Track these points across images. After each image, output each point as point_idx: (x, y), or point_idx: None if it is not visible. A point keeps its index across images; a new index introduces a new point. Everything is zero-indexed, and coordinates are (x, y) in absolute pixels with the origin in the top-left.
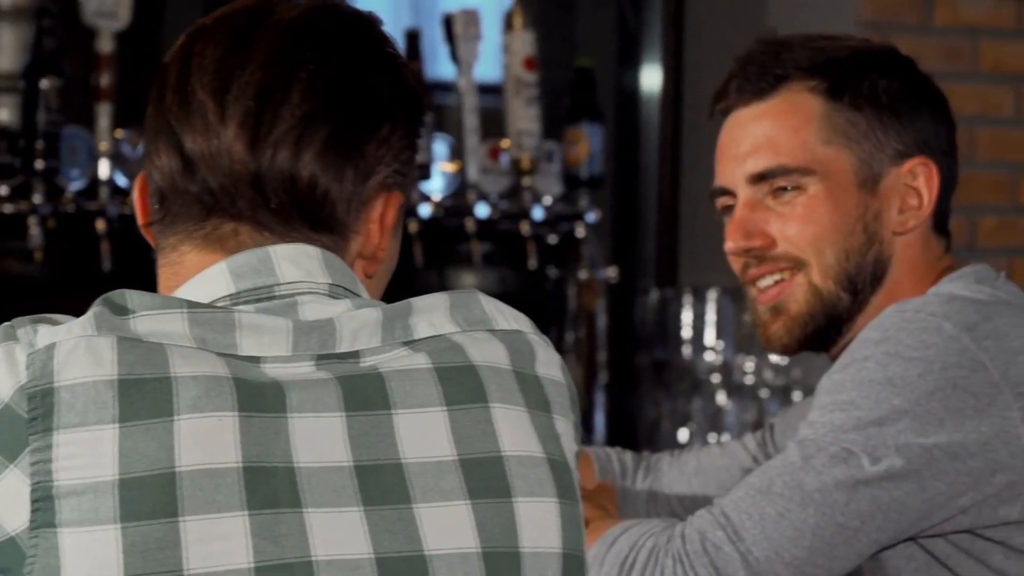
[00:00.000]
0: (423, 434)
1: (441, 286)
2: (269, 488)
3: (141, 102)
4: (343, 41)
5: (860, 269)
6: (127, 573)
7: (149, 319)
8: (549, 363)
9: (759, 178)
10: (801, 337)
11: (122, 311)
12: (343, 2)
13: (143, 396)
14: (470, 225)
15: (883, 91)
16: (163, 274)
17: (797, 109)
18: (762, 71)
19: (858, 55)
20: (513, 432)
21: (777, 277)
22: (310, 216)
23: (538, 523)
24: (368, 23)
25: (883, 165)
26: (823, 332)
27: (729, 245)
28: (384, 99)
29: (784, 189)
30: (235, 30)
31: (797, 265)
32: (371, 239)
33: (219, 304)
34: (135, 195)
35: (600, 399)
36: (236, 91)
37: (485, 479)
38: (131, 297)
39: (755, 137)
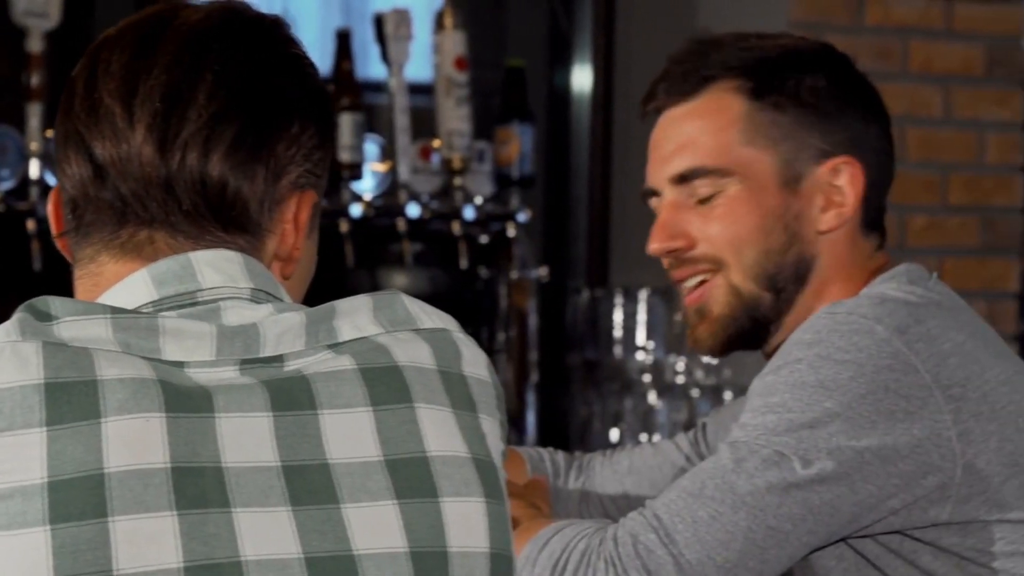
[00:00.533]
0: (349, 434)
1: (372, 286)
2: (197, 488)
3: None
4: (247, 42)
5: (781, 268)
6: (57, 574)
7: (73, 324)
8: (474, 362)
9: (681, 179)
10: (725, 339)
11: (46, 317)
12: (248, 5)
13: (70, 399)
14: (401, 225)
15: (808, 90)
16: (82, 285)
17: (720, 109)
18: (689, 71)
19: (788, 53)
20: (438, 432)
21: (700, 279)
22: (222, 217)
23: (464, 523)
24: (273, 25)
25: (805, 164)
26: (748, 333)
27: (652, 247)
28: (291, 98)
29: (705, 189)
30: (140, 36)
31: (716, 265)
32: (286, 239)
33: (142, 311)
34: (49, 207)
35: (531, 399)
36: (143, 95)
37: (411, 479)
38: (54, 303)
39: (679, 138)
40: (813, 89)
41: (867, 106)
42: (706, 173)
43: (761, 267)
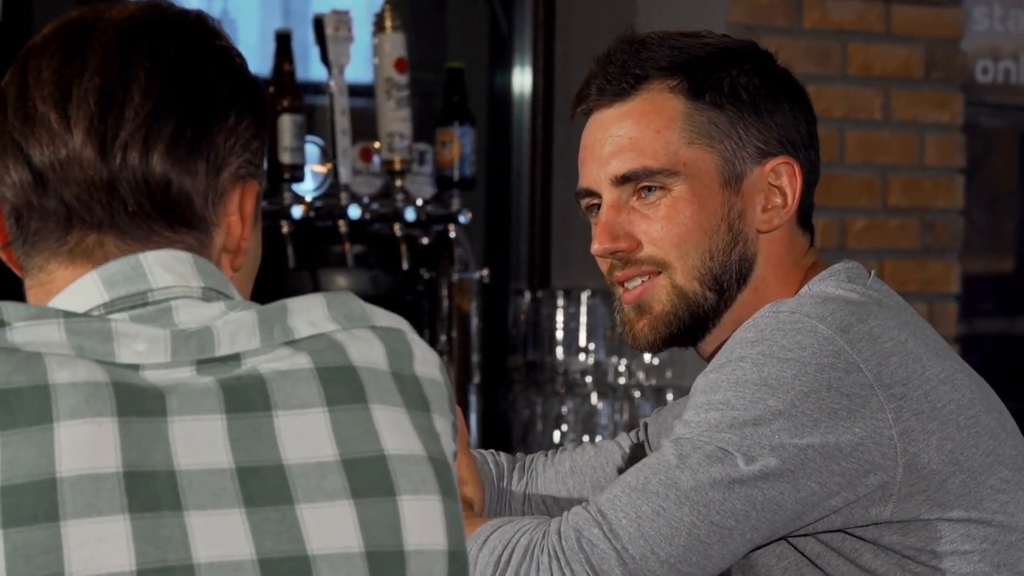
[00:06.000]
0: (304, 435)
1: (314, 287)
2: (150, 491)
3: None
4: (175, 38)
5: (725, 268)
6: None
7: (25, 329)
8: (426, 362)
9: (623, 180)
10: (666, 335)
11: None
12: (170, 3)
13: (22, 404)
14: (342, 226)
15: (743, 88)
16: (33, 295)
17: (659, 109)
18: (622, 71)
19: (717, 52)
20: (393, 431)
21: (644, 279)
22: (169, 215)
23: (422, 521)
24: (197, 19)
25: (745, 164)
26: (688, 330)
27: (596, 247)
28: (225, 90)
29: (649, 190)
30: (67, 41)
31: (660, 267)
32: (233, 231)
33: (93, 314)
34: None
35: (473, 400)
36: (77, 98)
37: (369, 478)
38: (6, 308)
39: (618, 139)
40: (748, 86)
41: (795, 101)
42: (651, 173)
43: (706, 267)
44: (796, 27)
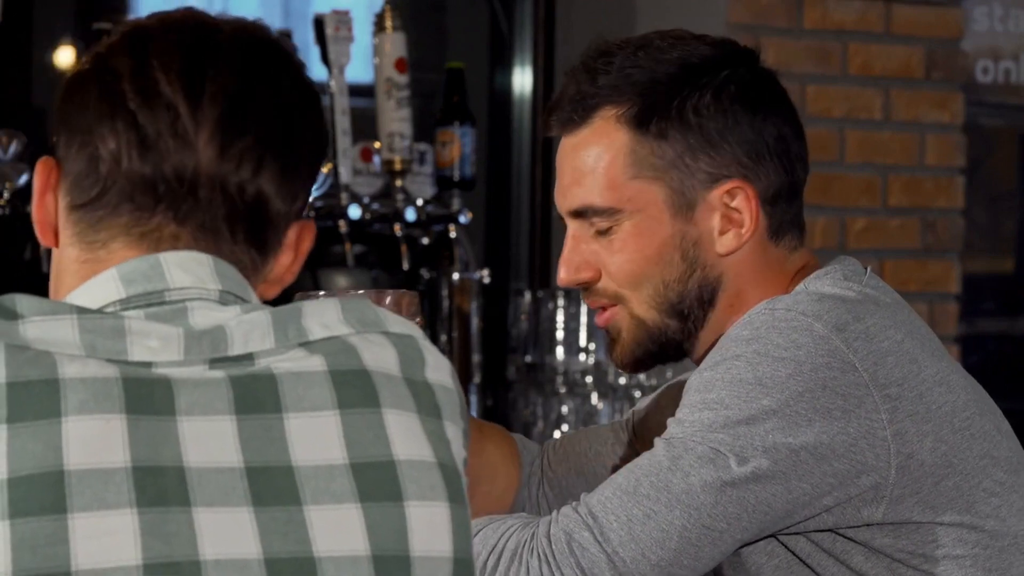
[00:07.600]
0: (314, 437)
1: (315, 287)
2: (158, 487)
3: (11, 101)
4: (291, 72)
5: (683, 297)
6: (16, 568)
7: (39, 324)
8: (438, 369)
9: (577, 214)
10: (633, 360)
11: (11, 316)
12: (266, 28)
13: (31, 397)
14: (342, 226)
15: (693, 111)
16: (77, 269)
17: (605, 143)
18: (577, 98)
19: (677, 70)
20: (404, 437)
21: (609, 307)
22: (251, 232)
23: (429, 527)
24: (294, 54)
25: (696, 191)
26: (659, 354)
27: (560, 278)
28: (323, 134)
29: (600, 225)
30: (189, 36)
31: (617, 299)
32: (282, 262)
33: (108, 310)
34: (36, 185)
35: (474, 401)
36: (210, 94)
37: (377, 482)
38: (20, 301)
39: (572, 171)
40: (698, 109)
41: (763, 109)
42: (597, 212)
43: (663, 297)
44: (796, 27)
